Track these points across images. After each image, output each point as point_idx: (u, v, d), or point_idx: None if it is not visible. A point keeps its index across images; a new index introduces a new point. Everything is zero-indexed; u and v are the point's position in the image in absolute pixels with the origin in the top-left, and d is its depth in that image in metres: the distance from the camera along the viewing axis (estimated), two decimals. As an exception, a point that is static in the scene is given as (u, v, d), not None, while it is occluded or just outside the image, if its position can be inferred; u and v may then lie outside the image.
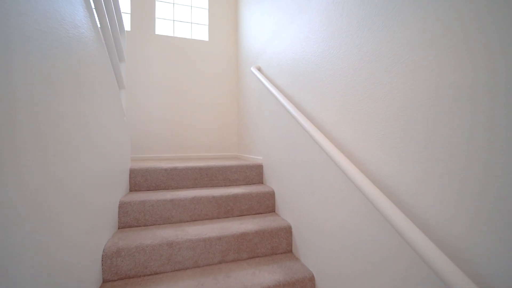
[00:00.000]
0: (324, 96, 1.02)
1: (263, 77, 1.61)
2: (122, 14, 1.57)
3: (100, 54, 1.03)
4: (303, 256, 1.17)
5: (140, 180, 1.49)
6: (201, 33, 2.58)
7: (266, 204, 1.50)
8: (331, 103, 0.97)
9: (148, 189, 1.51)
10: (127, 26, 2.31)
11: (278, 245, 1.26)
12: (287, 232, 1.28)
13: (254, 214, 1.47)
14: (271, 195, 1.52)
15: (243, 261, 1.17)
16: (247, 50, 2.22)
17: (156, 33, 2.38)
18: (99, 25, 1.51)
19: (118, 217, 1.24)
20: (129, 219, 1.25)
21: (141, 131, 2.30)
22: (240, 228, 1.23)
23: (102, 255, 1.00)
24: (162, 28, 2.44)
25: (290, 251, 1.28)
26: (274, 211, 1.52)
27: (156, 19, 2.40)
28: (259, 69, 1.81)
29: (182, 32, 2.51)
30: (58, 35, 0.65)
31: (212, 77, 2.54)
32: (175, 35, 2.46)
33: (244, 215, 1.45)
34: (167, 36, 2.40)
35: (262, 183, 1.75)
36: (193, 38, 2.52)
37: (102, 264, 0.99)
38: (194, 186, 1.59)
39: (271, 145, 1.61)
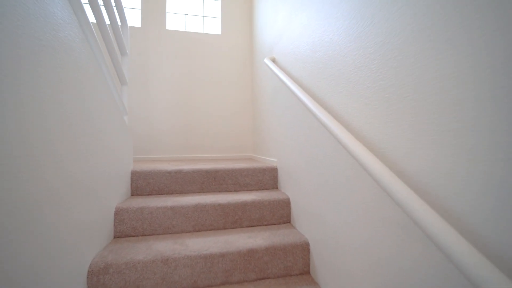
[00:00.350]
0: (349, 84, 0.80)
1: (277, 68, 1.41)
2: (123, 6, 1.46)
3: (84, 43, 0.91)
4: (323, 280, 0.95)
5: (142, 183, 1.37)
6: (214, 27, 2.44)
7: (280, 213, 1.31)
8: (361, 93, 0.75)
9: (151, 193, 1.38)
10: (137, 22, 2.24)
11: (293, 265, 1.06)
12: (304, 249, 1.08)
13: (266, 225, 1.28)
14: (285, 203, 1.32)
15: (250, 283, 0.99)
16: (261, 42, 2.03)
17: (167, 28, 2.28)
18: (93, 17, 1.40)
19: (114, 225, 1.12)
20: (125, 227, 1.13)
21: (150, 131, 2.22)
22: (248, 243, 1.05)
23: (88, 271, 0.87)
24: (173, 23, 2.34)
25: (307, 272, 1.07)
26: (289, 222, 1.32)
27: (167, 14, 2.30)
28: (273, 60, 1.62)
29: (194, 26, 2.39)
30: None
31: (225, 72, 2.39)
32: (186, 30, 2.35)
33: (254, 226, 1.26)
34: (178, 31, 2.29)
35: (277, 188, 1.55)
36: (205, 32, 2.39)
37: (88, 282, 0.87)
38: (201, 190, 1.44)
39: (286, 145, 1.41)
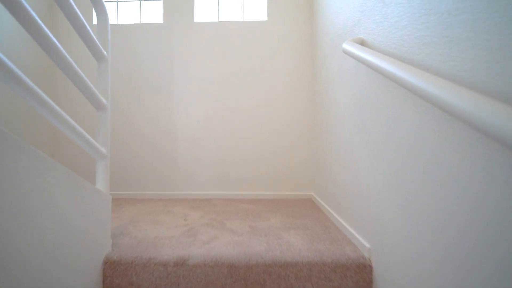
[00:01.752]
0: None
1: (373, 55, 0.62)
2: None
3: None
4: None
5: (121, 283, 0.79)
6: (257, 11, 1.76)
7: None
8: None
9: (135, 301, 0.78)
10: (159, 18, 1.74)
11: None
12: None
13: None
14: None
15: None
16: (331, 23, 1.24)
17: (195, 20, 1.71)
18: None
19: None
20: None
21: (170, 157, 1.68)
22: None
23: None
24: (203, 13, 1.76)
25: None
26: None
27: (195, 1, 1.73)
28: (361, 43, 0.81)
29: (231, 13, 1.76)
30: None
31: (273, 73, 1.68)
32: (220, 20, 1.74)
33: None
34: (210, 23, 1.70)
35: (371, 308, 0.75)
36: (245, 20, 1.73)
37: None
38: (220, 301, 0.77)
39: (396, 209, 0.61)
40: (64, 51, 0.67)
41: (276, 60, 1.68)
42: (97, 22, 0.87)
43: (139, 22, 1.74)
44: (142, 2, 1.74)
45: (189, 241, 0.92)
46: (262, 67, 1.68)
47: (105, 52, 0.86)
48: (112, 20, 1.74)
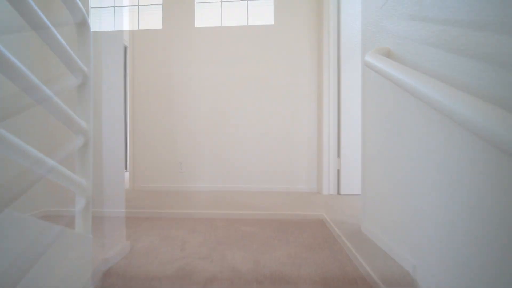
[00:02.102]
0: None
1: (425, 84, 0.48)
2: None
3: None
4: None
5: None
6: (263, 15, 1.63)
7: None
8: None
9: None
10: (158, 23, 1.63)
11: None
12: None
13: None
14: None
15: None
16: (345, 27, 1.10)
17: (196, 25, 1.60)
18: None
19: None
20: None
21: (169, 170, 1.57)
22: None
23: None
24: (204, 17, 1.64)
25: None
26: None
27: (196, 5, 1.61)
28: (387, 55, 0.67)
29: (234, 17, 1.63)
30: None
31: (280, 80, 1.55)
32: (223, 24, 1.62)
33: None
34: (211, 28, 1.58)
35: None
36: (250, 24, 1.60)
37: None
38: None
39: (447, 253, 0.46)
40: (19, 65, 0.55)
41: (283, 65, 1.54)
42: (77, 33, 0.76)
43: (137, 28, 1.63)
44: (140, 7, 1.64)
45: (183, 284, 0.80)
46: (267, 72, 1.55)
47: (85, 68, 0.74)
48: (110, 27, 1.65)
